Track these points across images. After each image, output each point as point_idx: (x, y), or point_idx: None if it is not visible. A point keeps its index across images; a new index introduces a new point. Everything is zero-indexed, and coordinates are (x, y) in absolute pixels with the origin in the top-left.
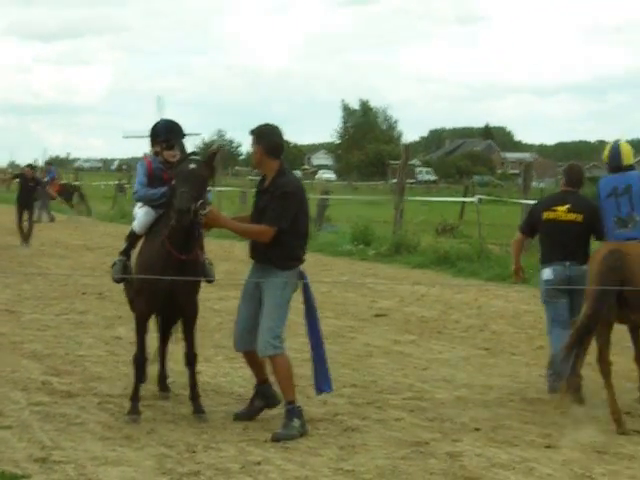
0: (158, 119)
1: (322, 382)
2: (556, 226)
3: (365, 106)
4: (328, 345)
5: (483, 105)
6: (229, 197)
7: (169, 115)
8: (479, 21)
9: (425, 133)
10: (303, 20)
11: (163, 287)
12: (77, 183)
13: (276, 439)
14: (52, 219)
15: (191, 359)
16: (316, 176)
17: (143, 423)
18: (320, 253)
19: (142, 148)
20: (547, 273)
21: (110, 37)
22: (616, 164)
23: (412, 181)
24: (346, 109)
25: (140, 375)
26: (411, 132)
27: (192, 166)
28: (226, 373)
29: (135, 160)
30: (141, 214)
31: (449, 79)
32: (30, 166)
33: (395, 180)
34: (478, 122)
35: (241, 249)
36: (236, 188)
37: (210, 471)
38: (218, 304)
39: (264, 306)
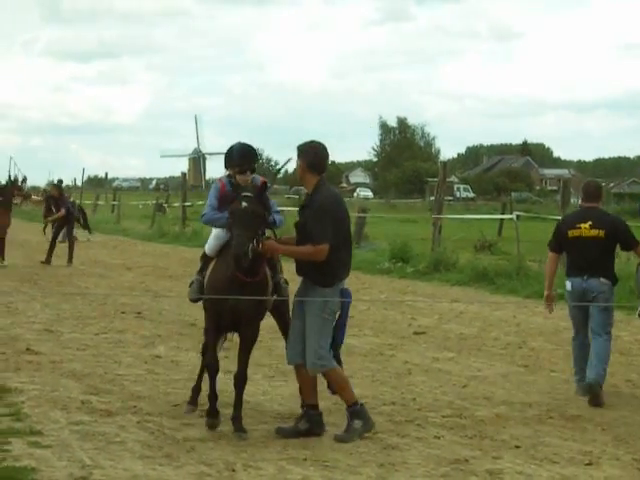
0: (234, 145)
1: None
2: (580, 242)
3: (402, 123)
4: (367, 363)
5: (521, 121)
6: None
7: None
8: (515, 37)
9: (463, 150)
10: (339, 37)
11: (227, 307)
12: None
13: (338, 440)
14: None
15: (241, 381)
16: (354, 194)
17: (182, 442)
18: (359, 271)
19: (179, 167)
20: (567, 285)
21: (146, 57)
22: None
23: (450, 198)
24: (383, 126)
25: (213, 385)
26: (449, 149)
27: (244, 204)
28: (265, 391)
29: (173, 179)
30: (212, 237)
31: (486, 96)
32: (57, 185)
33: (433, 197)
34: (516, 138)
35: (283, 268)
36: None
37: None
38: None
39: (307, 325)
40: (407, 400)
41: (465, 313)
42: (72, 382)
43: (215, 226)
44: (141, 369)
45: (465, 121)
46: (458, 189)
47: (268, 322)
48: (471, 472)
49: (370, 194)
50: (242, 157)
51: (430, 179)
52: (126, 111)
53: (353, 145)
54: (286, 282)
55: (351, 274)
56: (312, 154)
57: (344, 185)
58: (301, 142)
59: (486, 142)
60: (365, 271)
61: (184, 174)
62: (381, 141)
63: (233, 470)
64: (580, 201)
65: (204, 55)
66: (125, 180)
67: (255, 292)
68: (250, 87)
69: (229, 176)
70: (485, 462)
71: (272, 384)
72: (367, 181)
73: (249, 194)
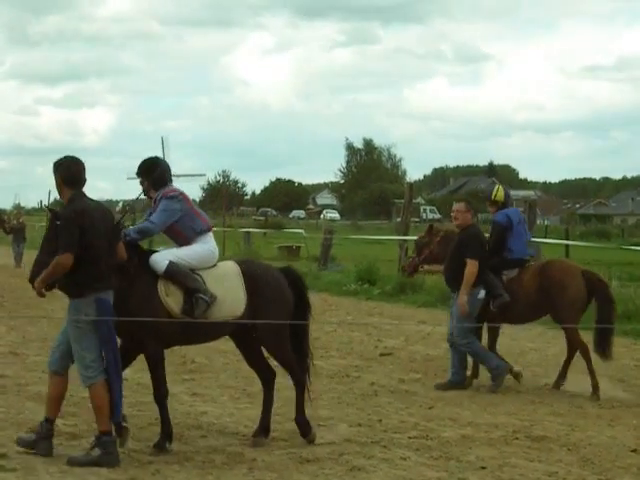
0: (165, 159)
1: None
2: None
3: (369, 145)
4: (334, 384)
5: (487, 143)
6: (233, 237)
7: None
8: (481, 59)
9: (429, 171)
10: (304, 60)
11: None
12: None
13: (69, 462)
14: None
15: None
16: (321, 216)
17: (148, 464)
18: (325, 292)
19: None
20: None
21: (113, 79)
22: (507, 201)
23: (417, 220)
24: (350, 148)
25: None
26: (415, 171)
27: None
28: (231, 413)
29: (140, 201)
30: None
31: (452, 117)
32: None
33: (399, 219)
34: (482, 160)
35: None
36: (238, 229)
37: None
38: (224, 344)
39: (69, 336)
40: (373, 421)
41: (432, 334)
42: (37, 405)
43: None
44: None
45: (431, 143)
46: (425, 210)
47: (231, 345)
48: None
49: (337, 216)
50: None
51: (397, 200)
52: (94, 133)
53: (320, 167)
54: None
55: (318, 295)
56: (65, 169)
57: (311, 207)
58: (268, 163)
59: (452, 164)
60: (332, 292)
61: None
62: (348, 162)
63: None
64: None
65: (171, 77)
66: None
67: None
68: (217, 109)
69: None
70: None
71: (238, 406)
72: (334, 203)
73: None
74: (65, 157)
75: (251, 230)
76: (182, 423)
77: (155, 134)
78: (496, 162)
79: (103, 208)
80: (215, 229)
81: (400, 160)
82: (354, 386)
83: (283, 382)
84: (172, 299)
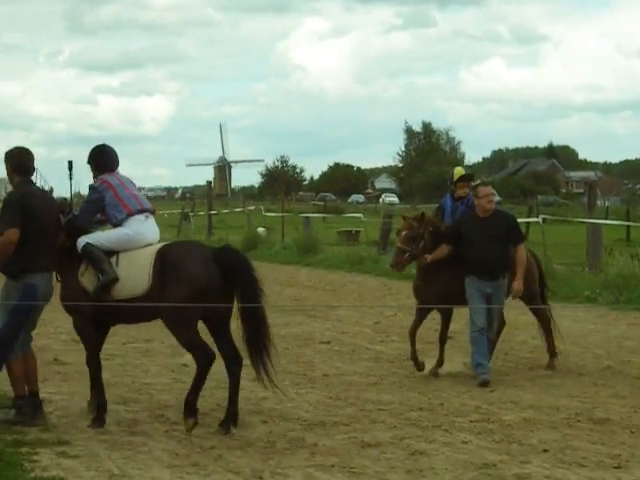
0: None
1: None
2: None
3: (427, 128)
4: (394, 369)
5: (546, 124)
6: (293, 222)
7: (231, 142)
8: (538, 40)
9: (488, 154)
10: (360, 44)
11: None
12: None
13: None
14: None
15: None
16: (379, 200)
17: (210, 450)
18: (385, 277)
19: (205, 176)
20: None
21: (170, 66)
22: None
23: None
24: (409, 132)
25: None
26: (474, 153)
27: None
28: (292, 399)
29: (198, 188)
30: None
31: (511, 99)
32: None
33: None
34: (541, 141)
35: (306, 274)
36: (297, 214)
37: None
38: (284, 329)
39: None
40: (434, 405)
41: None
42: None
43: None
44: (168, 378)
45: (490, 125)
46: None
47: (294, 330)
48: (499, 477)
49: (396, 199)
50: None
51: None
52: (152, 121)
53: (378, 151)
54: None
55: (377, 280)
56: (14, 158)
57: (369, 191)
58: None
59: (511, 146)
60: (391, 277)
61: (210, 182)
62: (406, 146)
63: (260, 477)
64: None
65: (228, 64)
66: (151, 190)
67: None
68: (274, 95)
69: None
70: (513, 466)
71: (299, 391)
72: (392, 186)
73: None
74: (15, 147)
75: (310, 215)
76: (243, 409)
77: (213, 121)
78: (555, 143)
79: (46, 196)
80: (274, 214)
81: (459, 143)
82: (415, 370)
83: (344, 367)
84: (86, 279)
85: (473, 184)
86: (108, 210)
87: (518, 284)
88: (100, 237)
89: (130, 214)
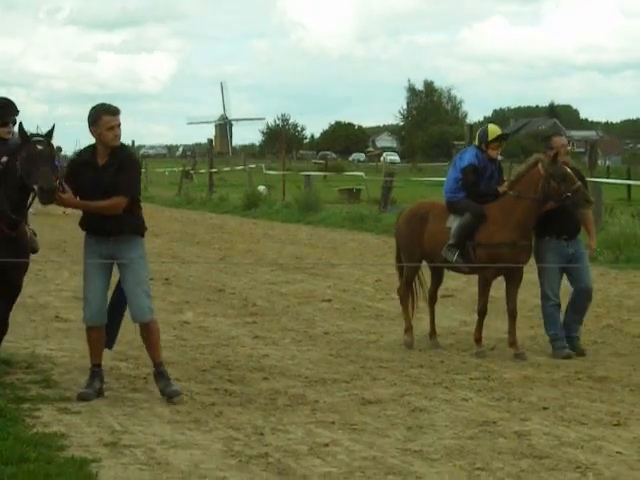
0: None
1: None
2: None
3: (429, 87)
4: (395, 327)
5: (547, 84)
6: (293, 181)
7: (232, 100)
8: None
9: (489, 113)
10: (363, 2)
11: None
12: None
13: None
14: None
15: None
16: (381, 158)
17: (210, 406)
18: (386, 235)
19: (206, 134)
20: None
21: (171, 24)
22: None
23: None
24: (411, 90)
25: None
26: (475, 112)
27: (41, 147)
28: (293, 356)
29: (199, 146)
30: None
31: (512, 58)
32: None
33: None
34: (543, 101)
35: (306, 232)
36: (298, 172)
37: (278, 453)
38: (285, 287)
39: (135, 272)
40: (435, 363)
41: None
42: None
43: None
44: (169, 335)
45: (491, 84)
46: None
47: (295, 288)
48: (499, 434)
49: (397, 158)
50: (4, 108)
51: (457, 142)
52: (153, 79)
53: (379, 109)
54: (35, 234)
55: (378, 238)
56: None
57: (371, 149)
58: (327, 106)
59: (513, 105)
60: (392, 234)
61: (211, 141)
62: (408, 105)
63: (261, 434)
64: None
65: (228, 21)
66: (152, 147)
67: (20, 246)
68: (275, 53)
69: None
70: (513, 424)
71: (300, 348)
72: (394, 145)
73: (41, 138)
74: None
75: (311, 173)
76: (244, 366)
77: (214, 79)
78: (557, 103)
79: None
80: (274, 172)
81: (460, 102)
82: (416, 327)
83: (345, 325)
84: None
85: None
86: None
87: (594, 242)
88: None
89: None
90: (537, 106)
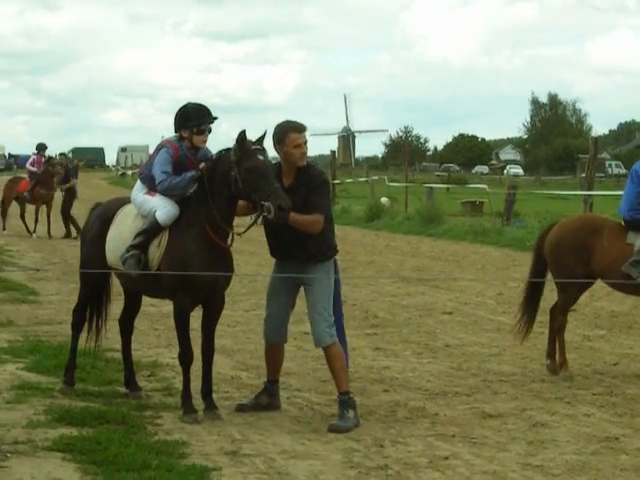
0: (187, 104)
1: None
2: None
3: (554, 100)
4: (516, 340)
5: None
6: (416, 193)
7: (355, 112)
8: None
9: (614, 126)
10: (487, 14)
11: (210, 278)
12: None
13: (333, 430)
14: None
15: (212, 353)
16: (504, 171)
17: (331, 417)
18: (508, 248)
19: (329, 145)
20: None
21: (295, 36)
22: None
23: (601, 175)
24: (535, 103)
25: (189, 376)
26: (600, 126)
27: (262, 158)
28: (414, 368)
29: (322, 158)
30: (168, 206)
31: (637, 70)
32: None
33: (584, 174)
34: None
35: (428, 245)
36: (421, 184)
37: (398, 465)
38: (406, 300)
39: (313, 296)
40: (556, 378)
41: (616, 291)
42: (223, 358)
43: (175, 193)
44: (290, 345)
45: (617, 97)
46: (610, 165)
47: (416, 300)
48: (621, 450)
49: (520, 171)
50: (201, 116)
51: (581, 155)
52: (276, 91)
53: (502, 122)
54: None
55: (501, 251)
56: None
57: (494, 162)
58: (450, 119)
59: (639, 118)
60: (515, 248)
61: (333, 152)
62: (532, 117)
63: (381, 446)
64: None
65: (352, 34)
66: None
67: (229, 257)
68: (398, 65)
69: (181, 139)
70: (636, 440)
71: (420, 361)
72: (517, 158)
73: (259, 147)
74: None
75: (434, 186)
76: (365, 377)
77: (337, 91)
78: None
79: None
80: (397, 184)
81: (585, 115)
82: (538, 342)
83: (466, 338)
84: None
85: None
86: None
87: None
88: None
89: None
90: None
